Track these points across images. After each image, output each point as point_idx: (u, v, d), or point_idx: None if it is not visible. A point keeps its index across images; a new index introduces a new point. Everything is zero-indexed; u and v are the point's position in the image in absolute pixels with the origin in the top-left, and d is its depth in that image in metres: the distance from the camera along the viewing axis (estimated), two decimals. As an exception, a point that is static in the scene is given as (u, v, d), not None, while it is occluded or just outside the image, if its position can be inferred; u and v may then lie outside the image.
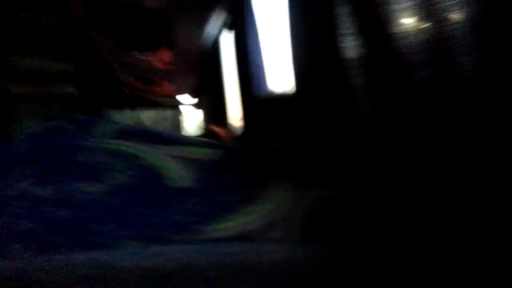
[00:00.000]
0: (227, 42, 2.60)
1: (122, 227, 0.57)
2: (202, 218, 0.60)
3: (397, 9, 0.70)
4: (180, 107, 4.96)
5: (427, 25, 0.64)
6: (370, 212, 0.60)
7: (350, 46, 0.85)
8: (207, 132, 1.96)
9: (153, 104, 4.53)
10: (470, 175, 0.53)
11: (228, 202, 0.63)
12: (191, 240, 0.57)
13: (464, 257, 0.48)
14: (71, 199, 0.60)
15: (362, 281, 0.46)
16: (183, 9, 2.29)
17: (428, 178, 0.59)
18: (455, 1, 0.58)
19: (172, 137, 0.77)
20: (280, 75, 1.75)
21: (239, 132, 1.51)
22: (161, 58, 2.96)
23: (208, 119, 3.72)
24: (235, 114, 2.50)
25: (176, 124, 4.95)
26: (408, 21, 0.68)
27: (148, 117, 4.64)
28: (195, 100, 4.71)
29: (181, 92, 4.32)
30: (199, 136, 2.27)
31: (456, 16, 0.58)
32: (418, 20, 0.66)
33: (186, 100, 4.76)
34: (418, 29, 0.65)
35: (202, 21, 2.46)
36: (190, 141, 0.78)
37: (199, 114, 4.50)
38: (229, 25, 2.38)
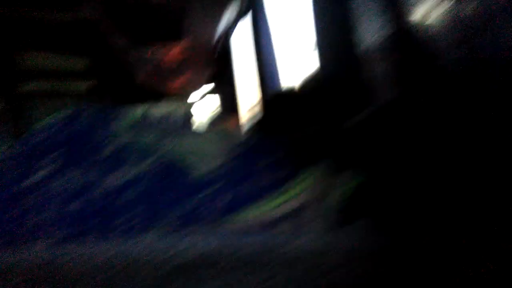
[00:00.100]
0: (241, 33, 2.59)
1: (144, 216, 0.57)
2: (227, 206, 0.60)
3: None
4: (194, 100, 4.97)
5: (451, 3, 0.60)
6: (401, 198, 0.59)
7: (374, 31, 0.82)
8: (222, 123, 1.97)
9: (167, 98, 4.56)
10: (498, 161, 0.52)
11: (253, 190, 0.63)
12: (214, 229, 0.56)
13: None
14: (93, 189, 0.61)
15: (394, 273, 0.46)
16: (197, 3, 2.28)
17: (456, 161, 0.57)
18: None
19: (191, 127, 0.79)
20: (298, 65, 1.72)
21: (256, 121, 1.51)
22: (175, 52, 2.95)
23: (222, 111, 3.74)
24: (250, 105, 2.49)
25: (191, 116, 4.98)
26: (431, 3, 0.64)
27: (162, 110, 4.67)
28: (209, 93, 4.73)
29: (195, 85, 4.33)
30: (215, 127, 2.28)
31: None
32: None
33: (200, 93, 4.77)
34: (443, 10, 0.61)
35: (217, 14, 2.45)
36: (208, 131, 0.79)
37: (213, 106, 4.52)
38: (244, 16, 2.36)
